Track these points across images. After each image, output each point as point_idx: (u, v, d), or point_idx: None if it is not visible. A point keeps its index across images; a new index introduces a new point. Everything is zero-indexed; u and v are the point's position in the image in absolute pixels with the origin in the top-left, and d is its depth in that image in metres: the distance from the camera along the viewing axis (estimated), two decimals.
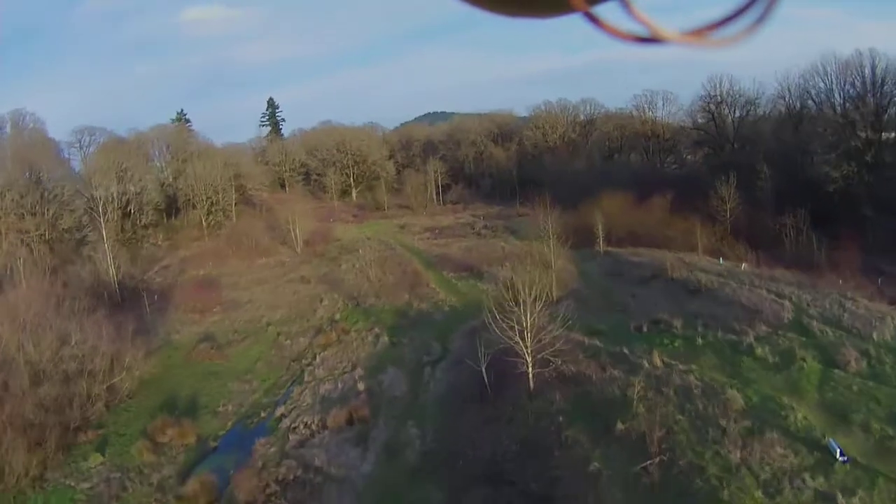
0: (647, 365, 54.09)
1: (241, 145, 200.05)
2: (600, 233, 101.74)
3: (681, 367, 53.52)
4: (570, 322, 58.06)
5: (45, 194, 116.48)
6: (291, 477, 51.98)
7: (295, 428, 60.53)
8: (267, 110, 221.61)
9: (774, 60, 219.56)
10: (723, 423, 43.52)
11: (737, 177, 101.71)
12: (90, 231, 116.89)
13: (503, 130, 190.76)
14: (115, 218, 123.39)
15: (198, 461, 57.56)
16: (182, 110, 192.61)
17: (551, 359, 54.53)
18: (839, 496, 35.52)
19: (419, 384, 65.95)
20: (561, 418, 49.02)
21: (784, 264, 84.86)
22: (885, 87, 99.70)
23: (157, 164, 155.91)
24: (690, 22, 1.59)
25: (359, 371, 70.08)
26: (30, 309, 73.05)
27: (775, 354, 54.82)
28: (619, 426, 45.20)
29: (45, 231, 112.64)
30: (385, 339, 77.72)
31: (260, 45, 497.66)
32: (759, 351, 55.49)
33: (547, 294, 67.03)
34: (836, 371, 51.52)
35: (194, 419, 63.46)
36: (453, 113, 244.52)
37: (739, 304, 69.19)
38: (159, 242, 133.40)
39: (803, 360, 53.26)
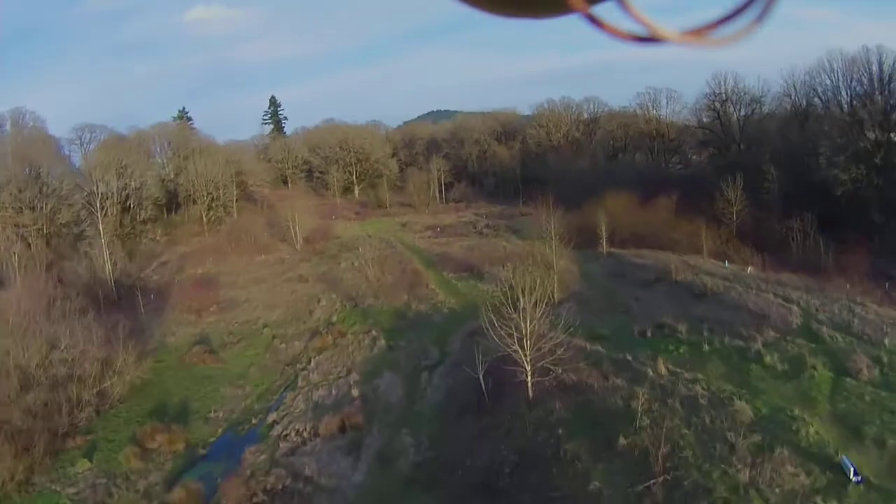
0: (651, 373, 51.73)
1: (244, 142, 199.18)
2: (603, 233, 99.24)
3: (686, 375, 51.10)
4: (572, 329, 55.50)
5: (44, 189, 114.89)
6: (280, 486, 50.14)
7: (286, 435, 58.51)
8: (269, 108, 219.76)
9: (774, 61, 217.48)
10: (731, 438, 41.06)
11: (743, 178, 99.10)
12: (88, 226, 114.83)
13: (507, 129, 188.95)
14: (115, 213, 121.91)
15: (186, 468, 55.79)
16: (184, 108, 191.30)
17: (551, 367, 52.03)
18: None
19: (415, 390, 63.72)
20: (561, 430, 46.60)
21: (790, 268, 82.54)
22: (892, 85, 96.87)
23: (159, 160, 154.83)
24: (689, 22, 1.60)
25: (354, 376, 67.75)
26: (20, 311, 71.62)
27: (784, 362, 52.35)
28: (622, 441, 42.77)
29: (42, 225, 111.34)
30: (382, 342, 75.34)
31: (261, 45, 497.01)
32: (767, 358, 52.96)
33: (548, 296, 64.91)
34: (848, 380, 49.23)
35: (185, 425, 61.67)
36: (456, 111, 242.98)
37: (746, 309, 66.58)
38: (158, 238, 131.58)
39: (814, 367, 50.90)
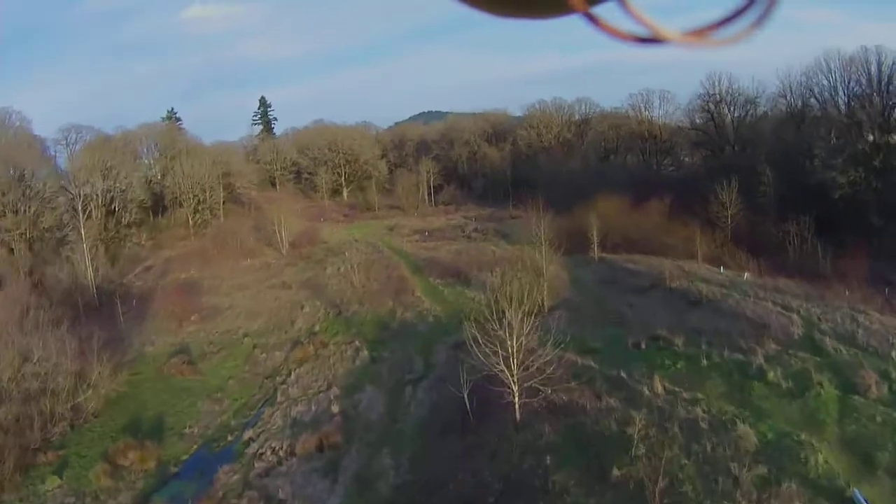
0: (647, 392, 47.80)
1: (232, 144, 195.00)
2: (595, 238, 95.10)
3: (685, 395, 47.19)
4: (563, 344, 51.56)
5: (28, 192, 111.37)
6: None
7: (262, 454, 54.71)
8: (259, 109, 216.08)
9: (772, 62, 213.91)
10: (734, 469, 37.13)
11: (737, 180, 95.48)
12: (71, 230, 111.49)
13: (497, 130, 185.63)
14: (99, 216, 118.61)
15: (157, 487, 52.37)
16: (172, 108, 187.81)
17: (540, 387, 47.90)
18: None
19: (398, 406, 59.68)
20: (549, 457, 42.43)
21: (787, 273, 79.27)
22: (892, 86, 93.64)
23: (146, 161, 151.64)
24: (690, 22, 1.61)
25: (334, 390, 63.90)
26: None
27: (788, 378, 48.56)
28: (616, 472, 38.72)
29: (26, 229, 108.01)
30: (365, 353, 71.60)
31: (259, 43, 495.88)
32: (770, 374, 49.14)
33: (538, 305, 63.34)
34: (856, 398, 45.63)
35: (158, 441, 58.05)
36: (448, 112, 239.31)
37: (745, 318, 63.06)
38: (142, 242, 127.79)
39: (820, 385, 47.16)
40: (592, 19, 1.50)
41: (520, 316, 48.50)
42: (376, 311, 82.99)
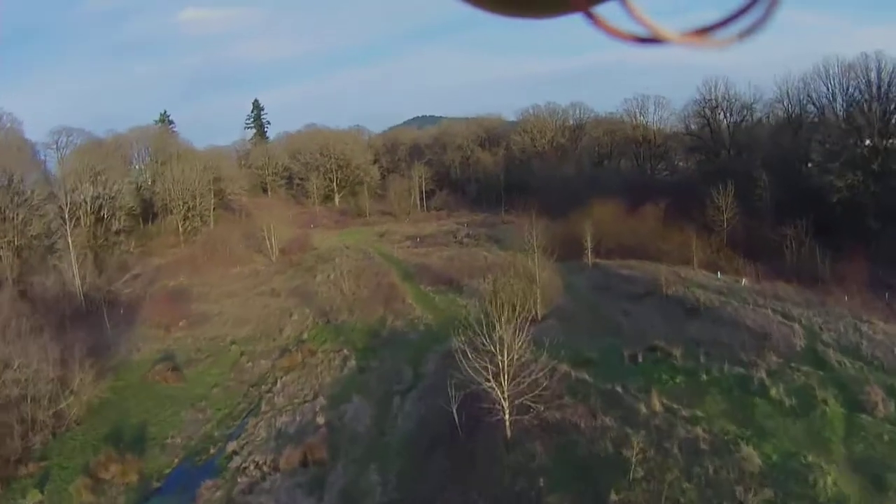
0: (644, 409, 44.92)
1: (224, 148, 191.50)
2: (589, 244, 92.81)
3: (684, 412, 44.40)
4: (556, 359, 49.03)
5: (16, 198, 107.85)
6: None
7: (245, 468, 52.32)
8: (252, 112, 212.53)
9: (770, 65, 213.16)
10: (739, 492, 34.53)
11: (734, 185, 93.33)
12: (59, 238, 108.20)
13: (491, 135, 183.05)
14: (88, 223, 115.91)
15: (139, 503, 50.45)
16: (165, 112, 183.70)
17: (532, 404, 45.10)
18: None
19: (386, 418, 57.06)
20: (542, 480, 39.52)
21: (785, 278, 77.50)
22: (892, 92, 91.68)
23: (137, 166, 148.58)
24: (690, 23, 1.58)
25: (321, 400, 61.49)
26: None
27: (791, 395, 45.86)
28: (614, 496, 36.00)
29: (13, 237, 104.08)
30: (353, 362, 69.27)
31: (254, 46, 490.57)
32: (773, 391, 46.35)
33: (530, 312, 60.81)
34: (863, 416, 43.15)
35: (140, 453, 55.68)
36: (442, 117, 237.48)
37: (745, 328, 60.68)
38: (131, 249, 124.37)
39: (825, 402, 44.58)
40: (593, 19, 1.51)
41: (511, 329, 45.75)
42: (366, 319, 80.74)
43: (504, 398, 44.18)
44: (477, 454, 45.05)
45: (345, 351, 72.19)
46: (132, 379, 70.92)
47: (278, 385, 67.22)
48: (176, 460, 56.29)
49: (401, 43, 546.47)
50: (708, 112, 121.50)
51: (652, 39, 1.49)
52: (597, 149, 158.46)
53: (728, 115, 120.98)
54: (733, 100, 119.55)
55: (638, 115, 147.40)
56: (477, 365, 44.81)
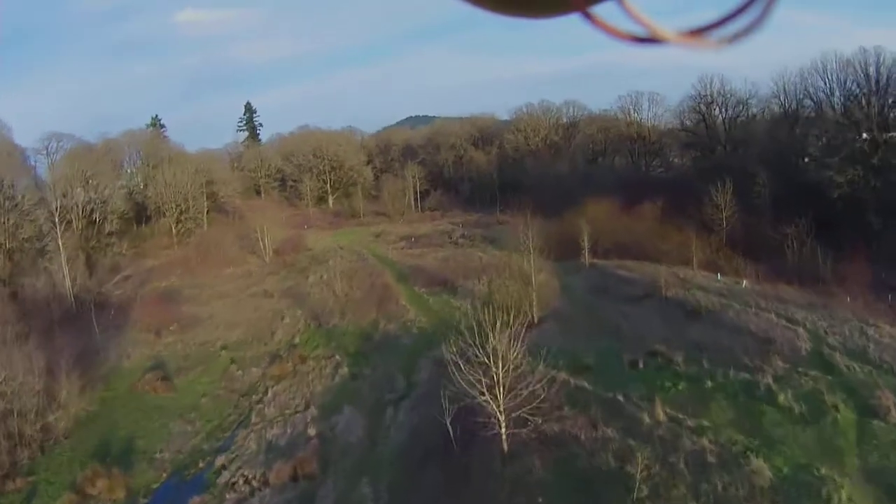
0: (647, 419, 42.77)
1: (216, 151, 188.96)
2: (585, 243, 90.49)
3: (690, 422, 42.22)
4: (554, 367, 46.73)
5: (6, 203, 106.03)
6: None
7: (234, 483, 50.35)
8: (244, 115, 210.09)
9: (766, 65, 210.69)
10: None
11: (731, 182, 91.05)
12: (51, 241, 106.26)
13: (484, 134, 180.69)
14: (79, 227, 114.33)
15: None
16: (157, 116, 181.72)
17: (529, 417, 42.76)
18: None
19: (378, 428, 54.85)
20: (541, 498, 37.42)
21: (787, 279, 75.28)
22: (891, 86, 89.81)
23: (128, 170, 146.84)
24: (689, 23, 1.57)
25: (312, 411, 59.30)
26: None
27: (800, 401, 43.76)
28: None
29: (4, 241, 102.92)
30: (345, 369, 66.98)
31: (250, 48, 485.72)
32: (781, 397, 44.28)
33: (526, 315, 57.98)
34: (875, 422, 41.09)
35: (128, 468, 53.79)
36: (435, 117, 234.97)
37: (748, 332, 58.44)
38: (124, 251, 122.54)
39: (835, 408, 42.50)
40: (591, 19, 1.50)
41: (506, 338, 43.34)
42: (358, 323, 78.72)
43: (500, 412, 41.87)
44: (472, 468, 42.83)
45: (336, 357, 70.17)
46: (121, 389, 69.02)
47: (269, 395, 65.12)
48: (164, 475, 54.33)
49: (400, 43, 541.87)
50: (703, 108, 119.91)
51: (650, 39, 1.49)
52: (591, 146, 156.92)
53: (724, 110, 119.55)
54: (729, 95, 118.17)
55: (632, 111, 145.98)
56: (471, 377, 42.43)
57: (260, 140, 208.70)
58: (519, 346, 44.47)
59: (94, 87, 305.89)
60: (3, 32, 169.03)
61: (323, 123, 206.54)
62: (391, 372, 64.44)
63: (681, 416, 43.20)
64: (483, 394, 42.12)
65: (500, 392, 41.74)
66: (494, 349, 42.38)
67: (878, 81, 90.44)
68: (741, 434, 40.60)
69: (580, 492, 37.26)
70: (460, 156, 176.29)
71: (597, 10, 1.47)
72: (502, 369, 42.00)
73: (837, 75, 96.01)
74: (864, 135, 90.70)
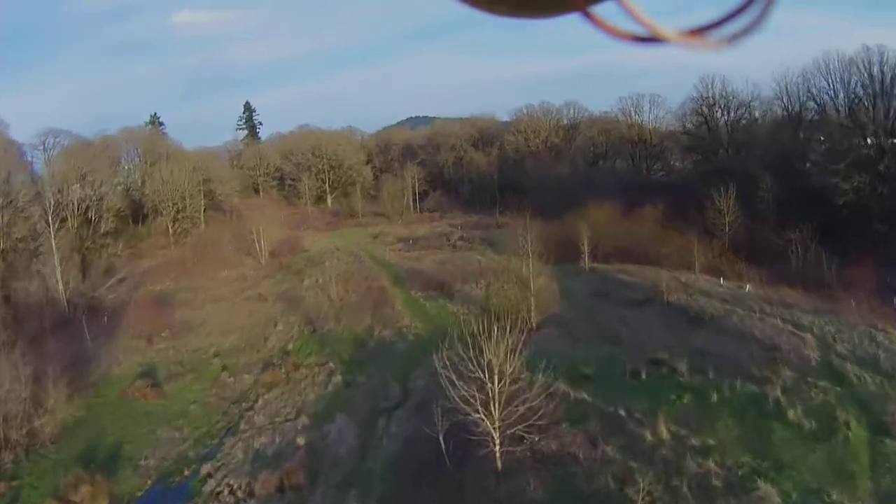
0: (650, 437, 40.33)
1: (215, 149, 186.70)
2: (585, 247, 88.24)
3: (694, 441, 39.67)
4: (552, 376, 44.10)
5: (1, 200, 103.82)
6: None
7: (219, 493, 48.13)
8: (244, 113, 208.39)
9: (767, 66, 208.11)
10: None
11: (734, 186, 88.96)
12: (45, 241, 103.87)
13: (484, 135, 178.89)
14: (74, 226, 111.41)
15: None
16: (156, 113, 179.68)
17: (525, 434, 40.33)
18: None
19: (370, 438, 52.28)
20: None
21: (790, 283, 73.09)
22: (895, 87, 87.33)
23: (125, 167, 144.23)
24: (689, 22, 1.56)
25: (303, 420, 57.01)
26: None
27: (811, 417, 41.39)
28: None
29: None
30: (338, 377, 64.63)
31: (250, 49, 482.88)
32: (790, 413, 41.83)
33: (525, 323, 56.68)
34: (888, 441, 38.72)
35: (112, 474, 51.65)
36: (435, 117, 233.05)
37: (753, 339, 56.14)
38: (119, 252, 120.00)
39: (847, 425, 40.03)
40: (592, 18, 1.49)
41: (503, 351, 40.81)
42: (353, 328, 76.33)
43: (495, 429, 39.43)
44: (465, 485, 40.42)
45: (330, 364, 67.93)
46: (111, 395, 67.06)
47: (260, 402, 62.92)
48: (148, 482, 52.32)
49: (400, 43, 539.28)
50: (705, 110, 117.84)
51: (650, 39, 1.48)
52: (591, 148, 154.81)
53: (726, 112, 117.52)
54: (731, 97, 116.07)
55: (633, 114, 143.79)
56: (465, 393, 39.91)
57: (259, 139, 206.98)
58: (516, 358, 41.81)
59: (94, 87, 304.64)
60: (2, 32, 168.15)
61: (323, 123, 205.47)
62: (385, 380, 62.22)
63: (684, 433, 40.70)
64: (477, 411, 39.66)
65: (495, 409, 39.32)
66: (490, 363, 39.88)
67: (882, 81, 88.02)
68: (748, 454, 38.13)
69: None
70: (460, 157, 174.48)
71: (597, 9, 1.48)
72: (498, 384, 39.52)
73: (841, 75, 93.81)
74: (870, 140, 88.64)
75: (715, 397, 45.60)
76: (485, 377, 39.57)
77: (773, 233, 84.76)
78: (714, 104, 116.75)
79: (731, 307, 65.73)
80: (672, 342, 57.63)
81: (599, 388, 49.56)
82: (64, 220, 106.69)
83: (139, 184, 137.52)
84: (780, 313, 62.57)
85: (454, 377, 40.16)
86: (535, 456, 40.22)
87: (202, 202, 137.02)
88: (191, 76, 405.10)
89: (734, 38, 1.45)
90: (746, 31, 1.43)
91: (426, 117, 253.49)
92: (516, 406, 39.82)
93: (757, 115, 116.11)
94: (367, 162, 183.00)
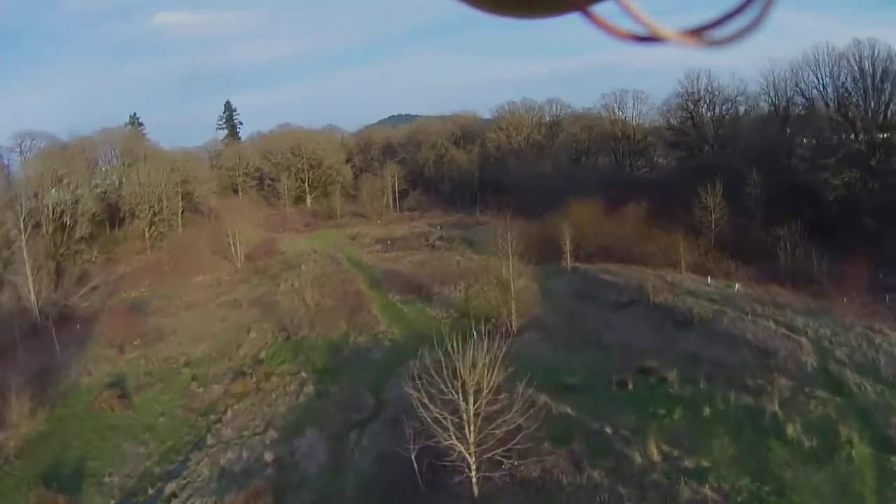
0: (639, 459, 36.64)
1: (194, 150, 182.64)
2: (568, 246, 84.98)
3: (688, 462, 35.97)
4: (532, 387, 40.35)
5: None
6: None
7: None
8: (224, 113, 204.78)
9: (759, 61, 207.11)
10: None
11: (721, 182, 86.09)
12: (17, 249, 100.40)
13: (465, 132, 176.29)
14: (48, 232, 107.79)
15: None
16: (135, 114, 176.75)
17: (504, 459, 36.52)
18: None
19: (342, 454, 48.65)
20: None
21: (779, 281, 70.48)
22: (887, 82, 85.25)
23: (103, 169, 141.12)
24: (688, 22, 1.56)
25: (271, 433, 53.68)
26: None
27: (810, 432, 37.87)
28: None
29: None
30: (310, 387, 61.25)
31: (236, 49, 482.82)
32: (789, 429, 38.23)
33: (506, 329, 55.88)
34: (894, 459, 35.22)
35: (75, 492, 49.30)
36: (417, 115, 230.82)
37: (745, 343, 52.92)
38: (94, 258, 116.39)
39: (849, 443, 36.47)
40: (592, 18, 1.50)
41: (477, 372, 36.87)
42: (327, 335, 72.88)
43: (470, 454, 35.71)
44: None
45: (303, 373, 64.67)
46: (79, 406, 64.48)
47: (228, 414, 59.63)
48: (112, 502, 49.48)
49: (400, 43, 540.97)
50: (690, 105, 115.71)
51: (650, 38, 1.48)
52: (574, 145, 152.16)
53: (711, 108, 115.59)
54: (716, 92, 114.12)
55: (616, 110, 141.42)
56: (438, 415, 36.15)
57: (240, 138, 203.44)
58: (494, 374, 37.88)
59: (93, 88, 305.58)
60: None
61: (305, 122, 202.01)
62: (359, 390, 58.76)
63: (677, 453, 37.02)
64: (449, 439, 35.87)
65: (470, 433, 35.62)
66: (464, 384, 36.16)
67: (873, 76, 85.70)
68: (746, 476, 34.47)
69: None
70: (441, 155, 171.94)
71: (597, 9, 1.49)
72: (474, 405, 35.84)
73: (830, 69, 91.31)
74: (861, 135, 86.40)
75: (708, 411, 41.97)
76: (458, 398, 35.85)
77: (760, 229, 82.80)
78: (700, 99, 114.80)
79: (720, 308, 62.48)
80: (659, 346, 54.84)
81: (584, 400, 45.98)
82: (38, 225, 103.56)
83: (116, 185, 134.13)
84: (773, 314, 59.46)
85: (426, 399, 36.36)
86: (515, 481, 36.59)
87: (180, 204, 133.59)
88: (184, 77, 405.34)
89: (733, 39, 1.46)
90: (745, 31, 1.44)
91: (408, 115, 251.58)
92: (493, 429, 36.06)
93: (742, 110, 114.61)
94: (348, 161, 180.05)
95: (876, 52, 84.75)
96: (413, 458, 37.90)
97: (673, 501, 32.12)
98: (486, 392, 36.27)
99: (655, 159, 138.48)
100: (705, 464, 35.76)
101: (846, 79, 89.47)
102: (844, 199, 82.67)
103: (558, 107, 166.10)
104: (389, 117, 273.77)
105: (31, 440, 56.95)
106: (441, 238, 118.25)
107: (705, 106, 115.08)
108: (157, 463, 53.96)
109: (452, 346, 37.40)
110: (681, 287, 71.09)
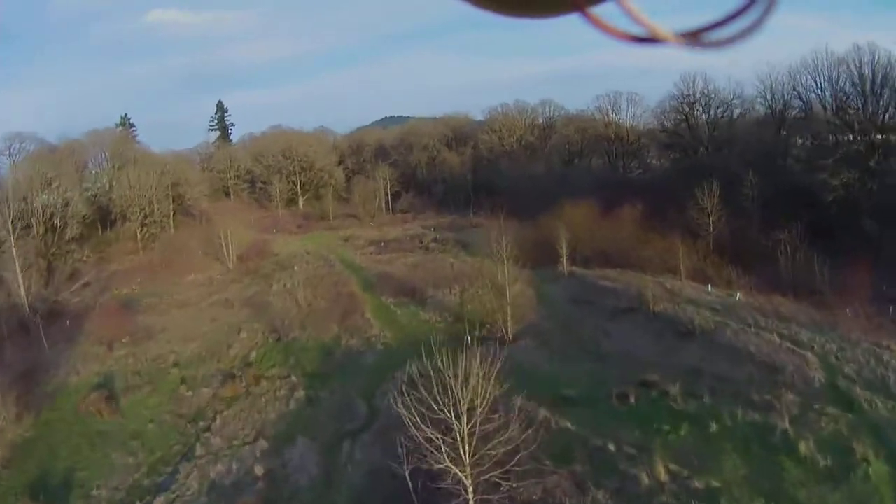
0: (646, 479, 34.61)
1: (185, 152, 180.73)
2: (563, 250, 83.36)
3: (697, 483, 33.94)
4: (531, 398, 38.39)
5: None
6: None
7: None
8: (216, 114, 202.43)
9: (760, 63, 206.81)
10: None
11: (717, 184, 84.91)
12: (7, 248, 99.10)
13: (458, 134, 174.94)
14: (39, 233, 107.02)
15: None
16: (126, 114, 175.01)
17: (501, 480, 34.18)
18: None
19: (334, 466, 46.76)
20: None
21: (782, 290, 68.60)
22: (886, 86, 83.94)
23: (93, 171, 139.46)
24: (688, 23, 1.56)
25: (261, 444, 51.51)
26: None
27: (824, 450, 36.03)
28: None
29: None
30: (301, 392, 59.37)
31: (228, 49, 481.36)
32: (802, 447, 36.36)
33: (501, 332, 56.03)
34: None
35: None
36: (409, 117, 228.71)
37: (749, 357, 50.89)
38: (85, 258, 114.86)
39: (865, 461, 34.64)
40: (591, 18, 1.49)
41: (470, 389, 34.49)
42: (319, 337, 71.24)
43: (466, 476, 33.49)
44: None
45: (293, 377, 62.87)
46: (66, 408, 62.66)
47: (217, 422, 57.42)
48: None
49: (400, 43, 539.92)
50: (686, 108, 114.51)
51: (650, 39, 1.47)
52: (567, 147, 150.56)
53: (707, 111, 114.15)
54: (712, 95, 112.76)
55: (610, 112, 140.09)
56: (430, 434, 33.75)
57: (231, 140, 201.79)
58: (490, 389, 35.66)
59: (85, 88, 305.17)
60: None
61: (297, 123, 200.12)
62: (351, 396, 56.91)
63: (686, 473, 34.93)
64: (442, 462, 33.47)
65: (465, 454, 33.42)
66: (456, 403, 33.84)
67: (873, 81, 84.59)
68: (760, 497, 32.46)
69: None
70: (433, 156, 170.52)
71: (597, 9, 1.48)
72: (468, 425, 33.64)
73: (829, 74, 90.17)
74: (859, 136, 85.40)
75: (714, 427, 40.01)
76: (451, 417, 33.65)
77: (758, 231, 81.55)
78: (695, 102, 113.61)
79: (722, 319, 60.59)
80: (660, 358, 52.91)
81: (584, 414, 43.94)
82: (28, 226, 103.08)
83: (107, 188, 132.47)
84: (777, 327, 57.66)
85: (417, 419, 34.14)
86: (512, 499, 34.52)
87: (171, 207, 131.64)
88: (182, 76, 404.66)
89: (732, 40, 1.45)
90: (745, 33, 1.44)
91: (400, 117, 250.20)
92: (490, 449, 33.82)
93: (737, 112, 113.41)
94: (340, 163, 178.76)
95: (876, 57, 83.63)
96: (407, 475, 35.80)
97: None
98: (480, 410, 33.90)
99: (649, 161, 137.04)
100: (716, 484, 33.73)
101: (845, 83, 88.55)
102: (843, 200, 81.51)
103: (551, 108, 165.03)
104: (381, 119, 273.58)
105: (17, 447, 55.37)
106: (435, 240, 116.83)
107: (700, 108, 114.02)
108: (145, 475, 51.82)
109: (443, 360, 34.98)
110: (681, 295, 69.32)
